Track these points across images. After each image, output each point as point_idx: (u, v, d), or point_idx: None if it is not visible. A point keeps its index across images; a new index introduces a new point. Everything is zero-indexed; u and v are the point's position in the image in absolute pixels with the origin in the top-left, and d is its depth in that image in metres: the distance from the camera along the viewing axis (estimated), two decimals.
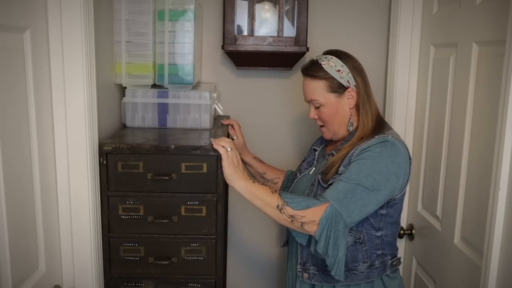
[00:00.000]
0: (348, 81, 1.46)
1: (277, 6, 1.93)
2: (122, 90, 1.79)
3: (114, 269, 1.54)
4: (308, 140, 2.02)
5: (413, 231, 1.91)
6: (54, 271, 1.41)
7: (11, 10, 1.15)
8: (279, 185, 1.78)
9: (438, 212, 1.68)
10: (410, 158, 1.43)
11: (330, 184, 1.39)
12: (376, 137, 1.41)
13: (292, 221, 1.33)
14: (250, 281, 2.25)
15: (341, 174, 1.38)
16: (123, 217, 1.50)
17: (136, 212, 1.50)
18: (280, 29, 1.93)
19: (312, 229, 1.32)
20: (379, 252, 1.45)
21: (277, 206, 1.34)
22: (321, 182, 1.44)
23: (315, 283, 1.46)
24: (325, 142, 1.62)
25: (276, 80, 2.10)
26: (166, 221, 1.50)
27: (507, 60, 1.13)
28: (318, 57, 1.50)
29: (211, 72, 2.08)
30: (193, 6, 1.70)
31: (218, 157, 1.43)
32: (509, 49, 1.13)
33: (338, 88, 1.46)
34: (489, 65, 1.37)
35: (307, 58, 1.80)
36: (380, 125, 1.48)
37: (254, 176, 1.80)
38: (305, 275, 1.47)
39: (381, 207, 1.40)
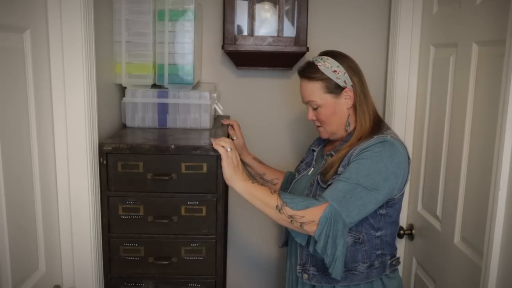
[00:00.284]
0: (344, 81, 1.46)
1: (277, 6, 1.93)
2: (122, 90, 1.79)
3: (114, 269, 1.54)
4: (308, 140, 2.01)
5: (413, 231, 1.91)
6: (54, 271, 1.41)
7: (11, 10, 1.15)
8: (278, 186, 1.78)
9: (438, 212, 1.68)
10: (409, 158, 1.44)
11: (329, 185, 1.39)
12: (375, 137, 1.41)
13: (291, 221, 1.33)
14: (250, 281, 2.25)
15: (340, 174, 1.38)
16: (123, 217, 1.50)
17: (136, 212, 1.50)
18: (280, 29, 1.93)
19: (311, 229, 1.32)
20: (379, 252, 1.45)
21: (277, 207, 1.34)
22: (320, 182, 1.44)
23: (315, 283, 1.46)
24: (324, 143, 1.63)
25: (276, 80, 2.10)
26: (166, 221, 1.50)
27: (507, 60, 1.13)
28: (314, 59, 1.50)
29: (211, 72, 2.08)
30: (193, 6, 1.70)
31: (218, 157, 1.43)
32: (509, 49, 1.13)
33: (335, 89, 1.46)
34: (489, 65, 1.36)
35: (307, 58, 1.80)
36: (378, 125, 1.48)
37: (254, 177, 1.80)
38: (305, 275, 1.47)
39: (380, 207, 1.40)
